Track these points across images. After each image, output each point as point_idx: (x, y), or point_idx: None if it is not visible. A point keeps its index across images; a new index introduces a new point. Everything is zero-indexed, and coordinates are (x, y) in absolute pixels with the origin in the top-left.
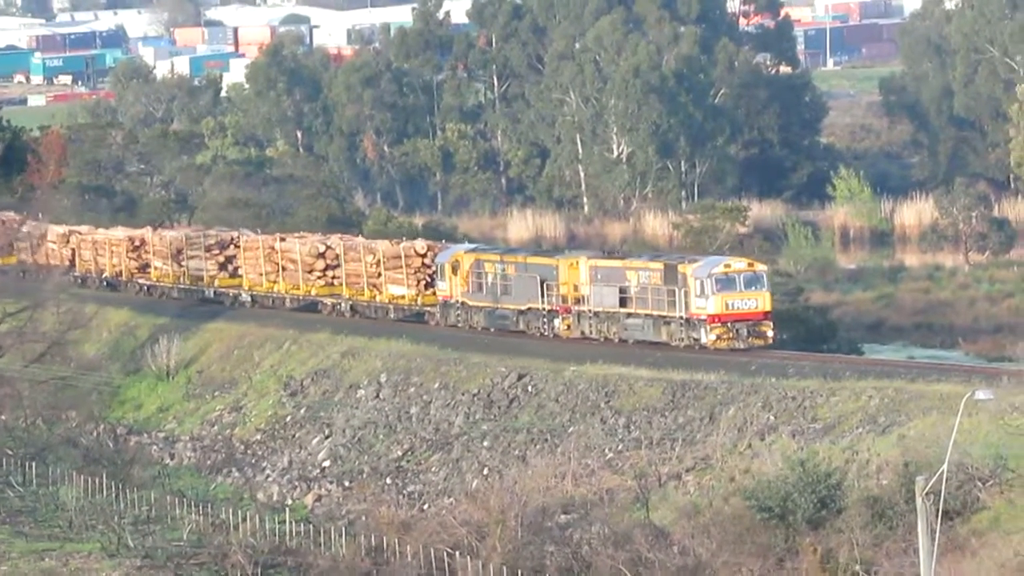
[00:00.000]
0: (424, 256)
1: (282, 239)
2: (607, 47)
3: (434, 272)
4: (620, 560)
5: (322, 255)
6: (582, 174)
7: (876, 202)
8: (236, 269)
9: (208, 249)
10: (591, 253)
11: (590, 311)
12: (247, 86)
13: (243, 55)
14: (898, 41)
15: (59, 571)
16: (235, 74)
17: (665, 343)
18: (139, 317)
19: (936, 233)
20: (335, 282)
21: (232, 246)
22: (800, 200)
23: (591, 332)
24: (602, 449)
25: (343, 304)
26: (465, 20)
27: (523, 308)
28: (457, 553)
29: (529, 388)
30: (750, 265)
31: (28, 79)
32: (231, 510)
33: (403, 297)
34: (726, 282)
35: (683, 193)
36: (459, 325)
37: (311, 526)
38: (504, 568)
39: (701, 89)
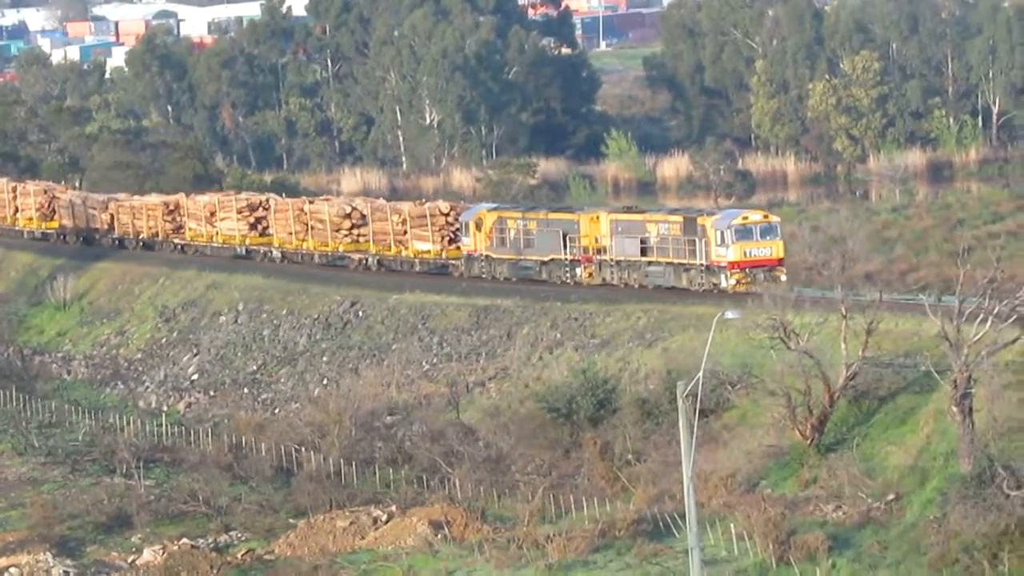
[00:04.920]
0: (447, 215)
1: (310, 202)
2: (420, 34)
3: (457, 229)
4: (436, 453)
5: (348, 215)
6: (401, 138)
7: (641, 158)
8: (265, 229)
9: (239, 211)
10: (610, 208)
11: (611, 260)
12: (127, 69)
13: (123, 44)
14: (659, 26)
15: None
16: (117, 59)
17: (684, 288)
18: (41, 259)
19: (691, 183)
20: (361, 239)
21: (261, 208)
22: (579, 157)
23: (612, 279)
24: (420, 362)
25: (370, 259)
26: (304, 13)
27: (546, 259)
28: (303, 448)
29: (360, 313)
30: (765, 217)
31: None
32: (118, 416)
33: (428, 252)
34: (744, 232)
35: (484, 152)
36: (483, 276)
37: (183, 428)
38: (341, 460)
39: (497, 67)
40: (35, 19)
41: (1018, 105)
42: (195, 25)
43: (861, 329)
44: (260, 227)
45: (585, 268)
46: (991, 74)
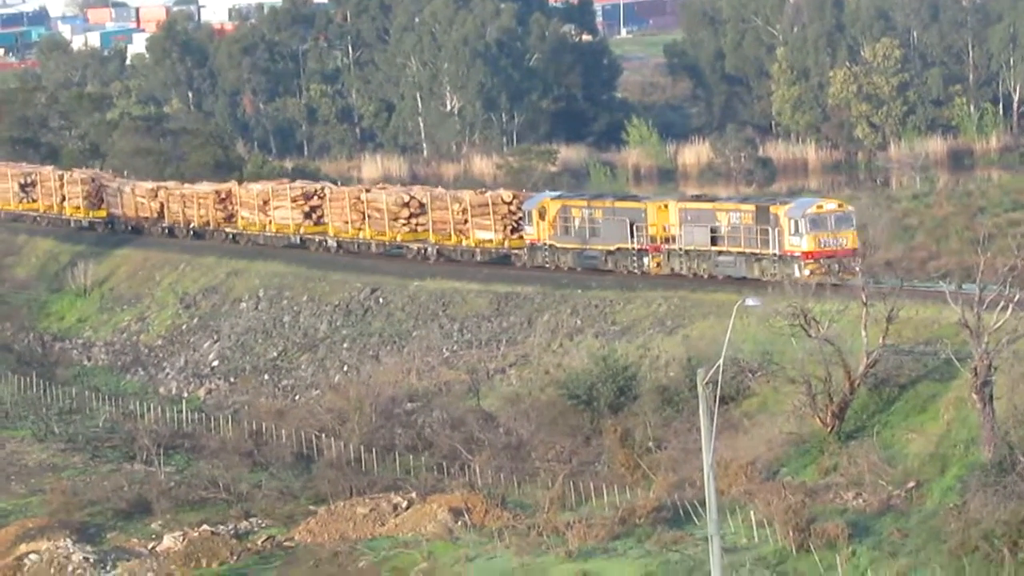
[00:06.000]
0: (510, 204)
1: (367, 190)
2: (441, 20)
3: (520, 218)
4: (456, 440)
5: (407, 204)
6: (421, 125)
7: (662, 145)
8: (320, 218)
9: (294, 200)
10: (679, 196)
11: (680, 249)
12: (147, 55)
13: (144, 30)
14: (679, 13)
15: None
16: (137, 46)
17: (756, 278)
18: (61, 245)
19: (712, 170)
20: (419, 228)
21: (316, 197)
22: (600, 144)
23: (681, 268)
24: (440, 349)
25: (429, 248)
26: (324, 0)
27: (612, 248)
28: (323, 435)
29: (380, 300)
30: (840, 206)
31: None
32: (138, 402)
33: (490, 241)
34: (818, 222)
35: (504, 139)
36: (546, 265)
37: (203, 414)
38: (361, 447)
39: (518, 54)
40: (56, 5)
41: None
42: (216, 12)
43: (881, 317)
44: (315, 216)
45: (653, 258)
46: (1012, 61)
